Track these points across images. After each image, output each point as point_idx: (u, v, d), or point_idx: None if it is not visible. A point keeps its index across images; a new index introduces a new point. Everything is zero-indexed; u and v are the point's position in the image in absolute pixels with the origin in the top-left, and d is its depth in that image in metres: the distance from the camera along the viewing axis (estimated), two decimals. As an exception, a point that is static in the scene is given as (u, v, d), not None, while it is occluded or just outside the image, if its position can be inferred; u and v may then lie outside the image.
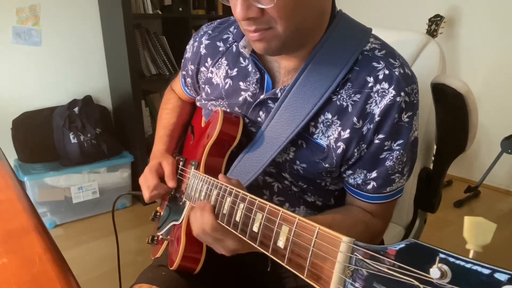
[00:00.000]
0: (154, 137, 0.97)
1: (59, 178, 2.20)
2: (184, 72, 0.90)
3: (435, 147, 1.00)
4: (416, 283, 0.31)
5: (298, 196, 0.78)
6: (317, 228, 0.42)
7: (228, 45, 0.80)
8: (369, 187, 0.71)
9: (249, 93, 0.75)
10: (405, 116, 0.66)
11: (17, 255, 0.63)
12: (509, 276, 0.27)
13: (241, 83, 0.76)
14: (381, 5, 2.97)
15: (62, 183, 2.22)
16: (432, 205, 1.02)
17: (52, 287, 0.55)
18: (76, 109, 2.30)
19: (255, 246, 0.52)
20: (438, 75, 0.90)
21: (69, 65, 2.48)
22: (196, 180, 0.74)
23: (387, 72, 0.66)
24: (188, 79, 0.90)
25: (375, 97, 0.66)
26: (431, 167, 1.02)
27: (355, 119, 0.67)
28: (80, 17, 2.45)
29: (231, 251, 0.62)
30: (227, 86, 0.78)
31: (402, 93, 0.65)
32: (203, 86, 0.84)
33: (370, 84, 0.66)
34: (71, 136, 2.23)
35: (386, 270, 0.34)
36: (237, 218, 0.56)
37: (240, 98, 0.77)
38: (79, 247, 2.05)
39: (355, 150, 0.68)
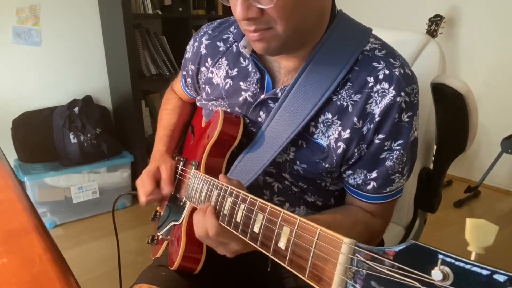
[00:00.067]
0: (154, 137, 0.97)
1: (59, 178, 2.20)
2: (184, 72, 0.90)
3: (435, 147, 1.00)
4: (418, 285, 0.31)
5: (298, 196, 0.78)
6: (319, 229, 0.42)
7: (228, 45, 0.80)
8: (369, 187, 0.71)
9: (250, 93, 0.75)
10: (405, 116, 0.66)
11: (17, 255, 0.63)
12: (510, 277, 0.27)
13: (241, 83, 0.76)
14: (381, 5, 2.97)
15: (62, 183, 2.22)
16: (432, 205, 1.02)
17: (52, 287, 0.55)
18: (76, 109, 2.30)
19: (256, 247, 0.52)
20: (438, 75, 0.90)
21: (69, 65, 2.47)
22: (196, 180, 0.74)
23: (387, 72, 0.66)
24: (189, 79, 0.90)
25: (375, 97, 0.66)
26: (431, 167, 1.02)
27: (355, 119, 0.67)
28: (80, 17, 2.45)
29: (234, 252, 0.62)
30: (227, 86, 0.78)
31: (402, 93, 0.65)
32: (204, 86, 0.84)
33: (370, 84, 0.66)
34: (71, 136, 2.23)
35: (387, 271, 0.33)
36: (238, 219, 0.56)
37: (241, 98, 0.76)
38: (79, 247, 2.05)
39: (355, 150, 0.68)
